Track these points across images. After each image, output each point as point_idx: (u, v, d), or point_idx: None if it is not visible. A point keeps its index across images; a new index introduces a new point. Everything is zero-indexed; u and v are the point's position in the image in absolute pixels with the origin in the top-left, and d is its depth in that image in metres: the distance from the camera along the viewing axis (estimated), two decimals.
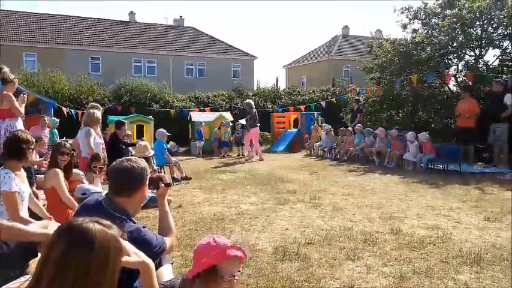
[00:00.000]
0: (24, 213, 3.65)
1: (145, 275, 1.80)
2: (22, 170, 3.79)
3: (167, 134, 9.55)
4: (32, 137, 4.97)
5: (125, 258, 1.54)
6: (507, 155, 9.51)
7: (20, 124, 6.44)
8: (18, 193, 3.59)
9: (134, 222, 2.39)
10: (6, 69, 6.44)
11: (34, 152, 7.05)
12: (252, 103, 13.54)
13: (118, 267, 1.39)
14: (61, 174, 4.51)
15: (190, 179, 8.60)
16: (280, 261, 3.91)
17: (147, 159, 7.23)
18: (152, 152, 7.90)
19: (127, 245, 1.62)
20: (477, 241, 4.46)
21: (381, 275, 3.57)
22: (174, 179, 8.51)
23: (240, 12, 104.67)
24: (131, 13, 35.67)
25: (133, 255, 1.73)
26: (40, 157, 7.74)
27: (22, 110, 6.41)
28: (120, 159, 2.46)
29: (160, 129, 9.63)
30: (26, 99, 6.66)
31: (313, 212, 5.86)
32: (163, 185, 2.75)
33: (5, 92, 6.19)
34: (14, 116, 6.30)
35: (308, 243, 4.43)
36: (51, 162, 4.69)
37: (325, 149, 13.51)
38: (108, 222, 1.42)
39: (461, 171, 9.24)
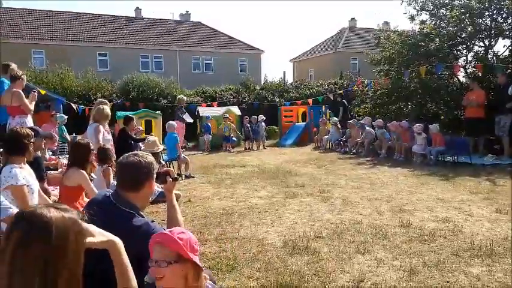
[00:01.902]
0: None
1: (113, 253, 1.77)
2: (27, 164, 3.81)
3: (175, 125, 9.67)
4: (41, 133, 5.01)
5: (89, 239, 1.52)
6: (508, 145, 9.45)
7: (30, 121, 6.47)
8: (28, 186, 3.61)
9: (143, 217, 2.39)
10: (13, 65, 6.46)
11: (46, 149, 7.12)
12: (184, 98, 14.46)
13: (80, 249, 1.36)
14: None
15: (193, 177, 8.57)
16: (290, 255, 3.90)
17: (156, 154, 7.25)
18: (161, 148, 7.92)
19: (89, 226, 1.59)
20: (488, 234, 4.42)
21: (391, 269, 3.55)
22: (180, 175, 8.50)
23: (246, 6, 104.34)
24: (137, 9, 35.72)
25: (98, 235, 1.70)
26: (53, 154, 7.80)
27: (32, 107, 6.44)
28: (127, 154, 2.46)
29: (170, 121, 9.77)
30: (36, 96, 6.70)
31: (322, 206, 5.84)
32: (170, 179, 2.75)
33: (14, 89, 6.22)
34: (24, 113, 6.34)
35: (317, 237, 4.41)
36: (79, 162, 4.68)
37: (333, 142, 13.49)
38: (64, 206, 1.39)
39: (472, 163, 9.15)
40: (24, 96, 6.29)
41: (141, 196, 2.42)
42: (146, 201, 2.56)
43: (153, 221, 2.40)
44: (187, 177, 8.53)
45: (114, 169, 5.83)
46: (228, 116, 14.71)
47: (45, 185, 5.21)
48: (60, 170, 7.10)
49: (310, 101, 17.88)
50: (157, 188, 5.35)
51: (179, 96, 14.67)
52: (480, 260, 3.68)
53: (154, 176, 2.49)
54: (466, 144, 9.76)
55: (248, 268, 3.62)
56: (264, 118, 15.24)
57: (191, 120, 14.08)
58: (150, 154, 2.55)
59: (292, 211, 5.58)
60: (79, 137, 8.24)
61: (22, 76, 6.39)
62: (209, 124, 14.93)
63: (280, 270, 3.57)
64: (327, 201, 6.12)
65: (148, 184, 2.42)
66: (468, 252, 3.88)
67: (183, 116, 13.50)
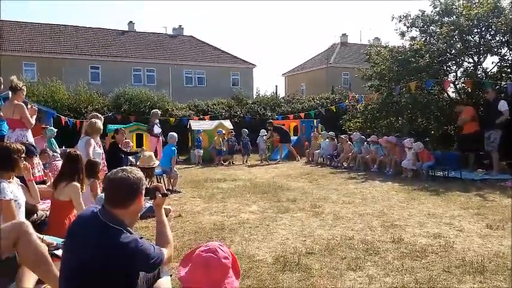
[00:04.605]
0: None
1: None
2: (15, 178, 3.77)
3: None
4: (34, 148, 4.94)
5: None
6: (497, 160, 9.54)
7: (30, 135, 6.41)
8: (15, 201, 3.56)
9: (131, 233, 2.35)
10: (13, 77, 6.44)
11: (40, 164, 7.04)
12: (159, 113, 14.11)
13: None
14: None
15: (179, 192, 8.49)
16: (281, 272, 3.85)
17: (151, 170, 7.21)
18: (157, 163, 7.84)
19: None
20: (480, 250, 4.41)
21: (383, 286, 3.51)
22: (170, 190, 8.39)
23: (239, 21, 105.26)
24: (130, 23, 35.85)
25: None
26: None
27: (33, 121, 6.39)
28: (115, 170, 2.42)
29: (171, 133, 9.71)
30: (36, 111, 6.67)
31: (313, 221, 5.81)
32: (160, 195, 2.72)
33: (16, 102, 6.18)
34: (25, 127, 6.29)
35: (309, 253, 4.37)
36: (70, 174, 4.62)
37: (323, 156, 13.51)
38: None
39: (462, 178, 9.21)
40: (26, 109, 6.26)
41: (130, 212, 2.38)
42: (135, 218, 2.51)
43: (141, 237, 2.35)
44: (173, 192, 8.43)
45: (101, 183, 5.77)
46: (223, 132, 14.71)
47: None
48: (48, 183, 7.00)
49: (302, 115, 17.96)
50: (146, 202, 5.30)
51: (154, 111, 14.12)
52: (472, 277, 3.66)
53: (143, 191, 2.45)
54: (456, 159, 9.83)
55: (239, 285, 3.56)
56: (265, 133, 15.21)
57: (159, 131, 13.65)
58: (139, 169, 2.51)
59: (284, 226, 5.54)
60: (69, 150, 8.16)
61: (22, 87, 6.36)
62: (200, 138, 14.87)
63: (271, 287, 3.51)
64: (319, 216, 6.09)
65: (136, 200, 2.38)
66: (460, 268, 3.86)
67: (154, 129, 13.26)
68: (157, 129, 13.19)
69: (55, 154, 9.25)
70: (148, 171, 7.02)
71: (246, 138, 14.81)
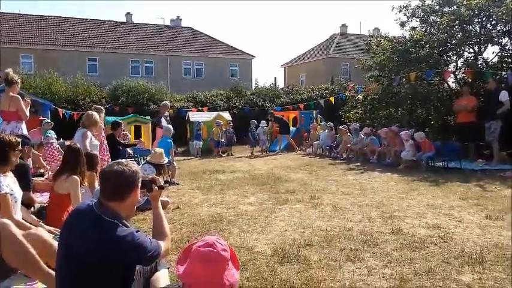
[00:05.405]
0: (18, 216, 3.59)
1: None
2: (11, 172, 3.72)
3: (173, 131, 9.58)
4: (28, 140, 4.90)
5: None
6: (498, 151, 9.53)
7: (24, 127, 6.39)
8: (11, 194, 3.53)
9: (127, 226, 2.32)
10: (9, 70, 6.41)
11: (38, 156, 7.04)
12: (168, 105, 13.97)
13: None
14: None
15: (178, 184, 8.46)
16: (280, 264, 3.84)
17: (162, 166, 7.19)
18: (167, 159, 7.81)
19: None
20: (479, 240, 4.39)
21: (381, 277, 3.50)
22: (169, 182, 8.37)
23: (237, 12, 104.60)
24: (128, 14, 35.56)
25: None
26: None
27: (27, 113, 6.37)
28: (110, 163, 2.40)
29: (167, 125, 9.64)
30: (29, 104, 6.65)
31: (312, 212, 5.79)
32: (156, 187, 2.69)
33: (12, 94, 6.14)
34: (20, 119, 6.26)
35: (307, 245, 4.35)
36: (70, 167, 4.59)
37: (323, 147, 13.49)
38: None
39: (462, 168, 9.19)
40: (22, 102, 6.22)
41: (125, 206, 2.35)
42: (131, 211, 2.49)
43: (138, 231, 2.33)
44: (172, 184, 8.41)
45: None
46: (222, 123, 14.66)
47: (31, 194, 5.09)
48: (46, 176, 6.98)
49: (301, 106, 17.90)
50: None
51: (164, 103, 13.94)
52: (471, 268, 3.64)
53: (139, 184, 2.42)
54: (456, 149, 9.81)
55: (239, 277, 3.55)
56: (266, 124, 15.16)
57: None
58: (135, 162, 2.49)
59: (282, 218, 5.52)
60: (67, 142, 8.13)
61: (18, 80, 6.32)
62: (200, 131, 14.80)
63: (270, 279, 3.50)
64: (318, 207, 6.07)
65: (132, 193, 2.35)
66: (459, 259, 3.85)
67: (162, 121, 13.15)
68: (164, 122, 13.14)
69: (48, 136, 9.18)
70: (159, 167, 7.03)
71: (253, 130, 14.78)
